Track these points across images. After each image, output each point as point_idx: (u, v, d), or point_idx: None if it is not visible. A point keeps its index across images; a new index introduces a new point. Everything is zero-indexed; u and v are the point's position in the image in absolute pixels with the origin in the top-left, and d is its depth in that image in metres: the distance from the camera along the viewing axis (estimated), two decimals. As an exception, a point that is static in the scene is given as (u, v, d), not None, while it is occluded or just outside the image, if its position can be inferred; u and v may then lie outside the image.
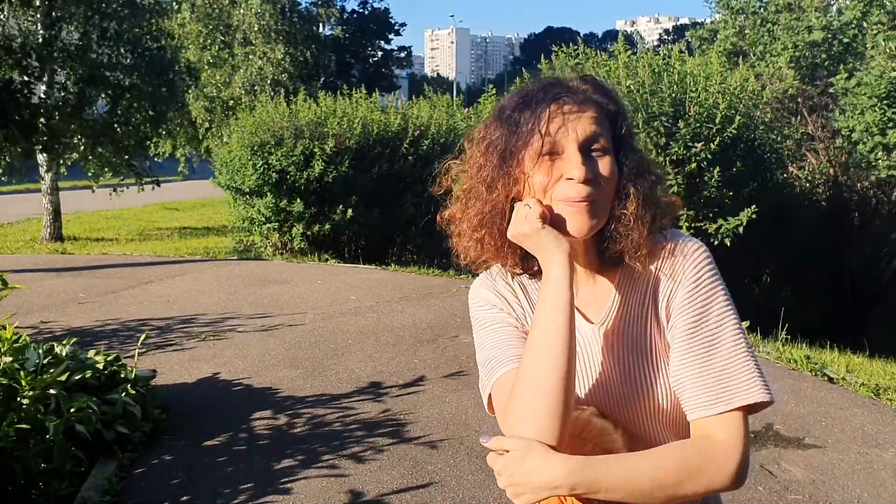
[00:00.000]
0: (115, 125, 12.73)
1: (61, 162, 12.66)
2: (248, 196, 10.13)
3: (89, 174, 13.43)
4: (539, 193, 1.18)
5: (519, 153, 1.19)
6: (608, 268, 1.25)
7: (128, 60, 12.80)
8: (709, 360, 1.13)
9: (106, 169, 13.15)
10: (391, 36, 30.08)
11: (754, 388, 1.11)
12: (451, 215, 1.29)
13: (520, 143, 1.19)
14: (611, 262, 1.23)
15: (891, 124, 7.60)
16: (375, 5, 30.08)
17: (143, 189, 14.04)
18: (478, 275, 1.35)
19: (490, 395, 1.23)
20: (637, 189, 1.19)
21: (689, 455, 1.08)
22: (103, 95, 12.71)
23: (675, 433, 1.21)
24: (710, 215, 6.67)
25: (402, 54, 31.36)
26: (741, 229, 6.47)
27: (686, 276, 1.18)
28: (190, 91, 16.55)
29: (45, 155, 12.12)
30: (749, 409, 1.12)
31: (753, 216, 6.38)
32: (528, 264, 1.26)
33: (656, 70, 7.07)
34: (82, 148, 12.58)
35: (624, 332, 1.22)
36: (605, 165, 1.17)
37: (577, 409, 1.16)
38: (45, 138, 11.56)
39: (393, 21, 29.89)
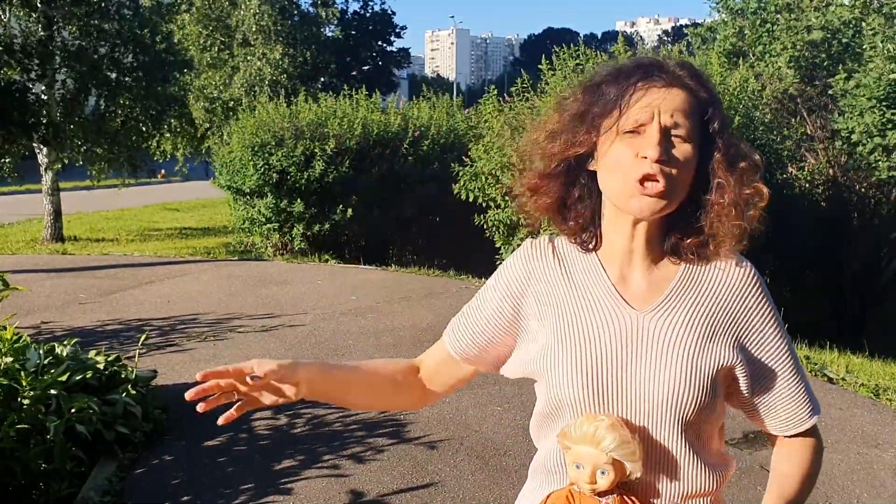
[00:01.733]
0: (120, 125, 12.74)
1: (60, 159, 12.64)
2: (248, 196, 10.14)
3: (94, 170, 13.41)
4: (614, 168, 1.15)
5: (594, 120, 1.17)
6: (671, 260, 1.22)
7: (128, 59, 12.80)
8: (799, 381, 1.24)
9: (105, 165, 13.15)
10: (392, 38, 30.09)
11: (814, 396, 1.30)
12: (518, 180, 1.28)
13: (598, 111, 1.17)
14: (674, 254, 1.21)
15: (890, 126, 7.58)
16: (376, 8, 30.08)
17: (124, 189, 13.97)
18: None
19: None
20: (727, 181, 1.16)
21: (818, 464, 1.28)
22: (106, 95, 12.71)
23: (692, 439, 1.17)
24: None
25: (401, 56, 31.36)
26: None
27: (760, 295, 1.22)
28: (190, 92, 16.54)
29: (45, 151, 12.11)
30: None
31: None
32: (581, 235, 1.24)
33: (656, 71, 7.07)
34: (82, 146, 12.57)
35: (668, 327, 1.17)
36: (682, 151, 1.13)
37: (595, 419, 1.12)
38: (45, 135, 11.55)
39: (394, 22, 29.93)
